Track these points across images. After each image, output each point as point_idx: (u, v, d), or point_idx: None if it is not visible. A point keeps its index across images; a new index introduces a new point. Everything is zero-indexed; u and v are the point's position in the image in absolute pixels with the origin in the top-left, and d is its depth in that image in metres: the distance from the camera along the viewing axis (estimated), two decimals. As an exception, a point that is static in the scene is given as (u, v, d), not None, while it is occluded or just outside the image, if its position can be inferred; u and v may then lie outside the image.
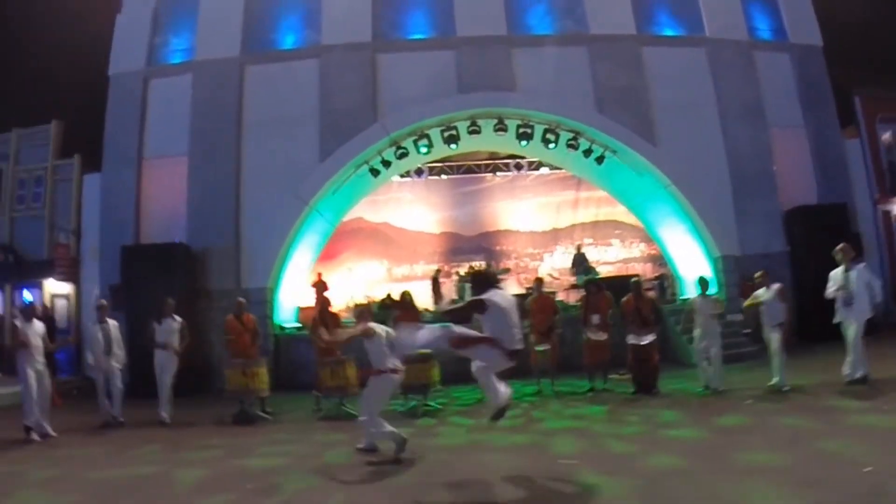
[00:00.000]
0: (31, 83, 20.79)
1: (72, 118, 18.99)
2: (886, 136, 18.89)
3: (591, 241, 22.32)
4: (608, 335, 11.16)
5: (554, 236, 22.97)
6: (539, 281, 12.06)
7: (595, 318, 11.11)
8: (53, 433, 9.37)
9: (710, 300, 10.49)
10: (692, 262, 16.81)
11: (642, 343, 10.52)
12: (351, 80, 15.94)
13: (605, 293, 11.52)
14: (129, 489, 6.33)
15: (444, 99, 15.81)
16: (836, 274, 9.58)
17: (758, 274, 10.13)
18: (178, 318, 10.85)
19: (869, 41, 19.96)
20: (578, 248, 19.38)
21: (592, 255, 20.11)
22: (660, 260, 21.33)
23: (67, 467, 7.33)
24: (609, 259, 21.84)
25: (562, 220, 23.07)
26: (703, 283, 10.67)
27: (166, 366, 10.54)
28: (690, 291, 16.22)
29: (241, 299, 11.70)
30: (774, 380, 9.67)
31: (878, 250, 17.63)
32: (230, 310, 14.56)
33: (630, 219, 22.46)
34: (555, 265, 21.63)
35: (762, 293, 9.96)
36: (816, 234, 15.39)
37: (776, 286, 9.88)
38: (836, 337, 9.75)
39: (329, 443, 8.30)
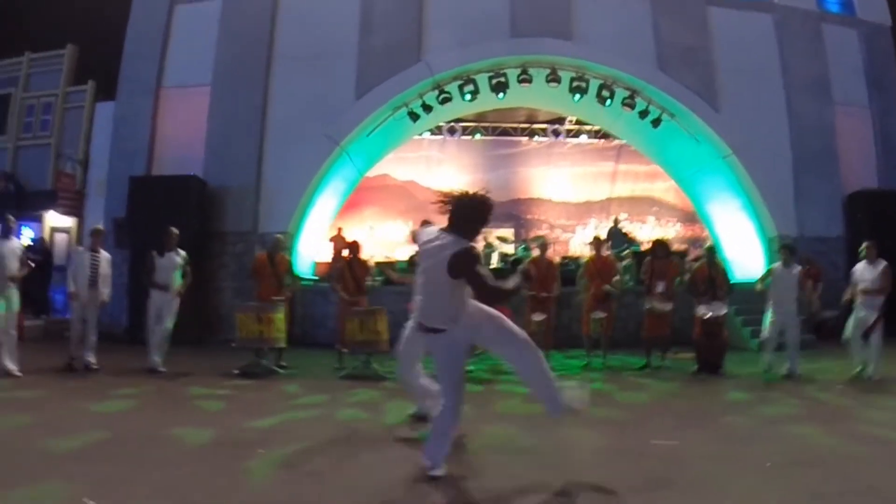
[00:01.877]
0: (46, 4, 19.48)
1: (88, 43, 17.64)
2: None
3: (625, 216, 21.30)
4: (672, 307, 9.99)
5: (588, 208, 22.01)
6: (598, 241, 10.81)
7: (660, 286, 9.89)
8: (18, 373, 8.26)
9: (793, 272, 9.33)
10: (741, 242, 15.65)
11: (713, 316, 9.37)
12: (396, 14, 14.55)
13: (672, 259, 10.29)
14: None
15: (495, 42, 14.45)
16: None
17: (864, 244, 8.97)
18: (182, 251, 9.53)
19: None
20: (616, 221, 18.31)
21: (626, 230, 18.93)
22: (695, 242, 20.33)
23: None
24: (643, 237, 20.69)
25: (597, 193, 22.13)
26: (789, 250, 9.49)
27: (164, 308, 9.22)
28: (737, 273, 15.10)
29: (281, 236, 10.44)
30: (869, 367, 8.55)
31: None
32: (243, 255, 13.69)
33: (668, 196, 21.55)
34: (587, 239, 20.41)
35: (861, 268, 8.79)
36: (879, 221, 14.29)
37: (883, 265, 8.68)
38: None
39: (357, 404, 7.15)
